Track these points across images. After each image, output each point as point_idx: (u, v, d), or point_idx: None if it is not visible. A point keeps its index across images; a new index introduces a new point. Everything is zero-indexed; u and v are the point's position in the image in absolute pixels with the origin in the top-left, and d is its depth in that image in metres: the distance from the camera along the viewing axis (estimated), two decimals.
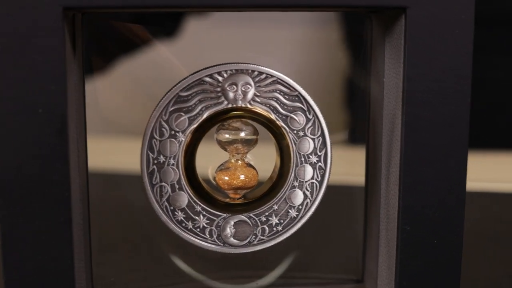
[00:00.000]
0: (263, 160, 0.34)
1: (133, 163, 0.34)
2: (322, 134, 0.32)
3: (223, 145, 0.33)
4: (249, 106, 0.32)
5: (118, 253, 0.38)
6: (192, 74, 0.31)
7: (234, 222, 0.32)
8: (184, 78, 0.31)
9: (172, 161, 0.32)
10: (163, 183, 0.32)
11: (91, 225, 0.34)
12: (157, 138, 0.31)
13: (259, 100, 0.32)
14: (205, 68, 0.31)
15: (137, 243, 0.40)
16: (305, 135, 0.32)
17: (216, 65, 0.31)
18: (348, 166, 0.38)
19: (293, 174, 0.32)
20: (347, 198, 0.38)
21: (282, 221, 0.33)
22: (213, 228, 0.32)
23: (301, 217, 0.33)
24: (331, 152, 0.32)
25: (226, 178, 0.32)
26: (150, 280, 0.36)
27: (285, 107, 0.32)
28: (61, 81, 0.29)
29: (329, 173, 0.33)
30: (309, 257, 0.38)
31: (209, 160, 0.34)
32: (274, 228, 0.33)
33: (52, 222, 0.29)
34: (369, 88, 0.35)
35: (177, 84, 0.31)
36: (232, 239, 0.33)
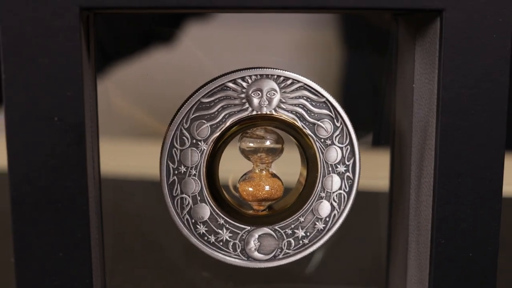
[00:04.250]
0: (285, 169, 0.33)
1: (140, 167, 0.32)
2: (351, 143, 0.31)
3: (247, 154, 0.31)
4: (274, 113, 0.30)
5: (131, 266, 0.37)
6: (214, 80, 0.30)
7: (259, 235, 0.31)
8: (206, 84, 0.30)
9: (193, 172, 0.30)
10: (184, 195, 0.30)
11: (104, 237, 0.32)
12: (178, 147, 0.30)
13: (284, 107, 0.30)
14: (227, 73, 0.30)
15: (151, 254, 0.38)
16: (332, 143, 0.31)
17: (239, 70, 0.30)
18: (370, 171, 0.37)
19: (320, 185, 0.31)
20: (369, 204, 0.36)
21: (308, 233, 0.31)
22: (237, 241, 0.31)
23: (328, 230, 0.31)
24: (359, 161, 0.31)
25: (251, 189, 0.31)
26: None
27: (312, 114, 0.30)
28: (77, 86, 0.27)
29: (358, 184, 0.31)
30: (329, 267, 0.37)
31: (227, 168, 0.32)
32: (301, 241, 0.31)
33: (70, 238, 0.28)
34: (394, 93, 0.34)
35: (198, 89, 0.30)
36: (256, 253, 0.31)
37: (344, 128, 0.31)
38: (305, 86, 0.30)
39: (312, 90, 0.30)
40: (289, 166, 0.32)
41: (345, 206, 0.31)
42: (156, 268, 0.37)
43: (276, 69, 0.30)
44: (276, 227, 0.31)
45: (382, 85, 0.35)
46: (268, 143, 0.31)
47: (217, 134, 0.30)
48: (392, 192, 0.34)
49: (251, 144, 0.31)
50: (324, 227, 0.31)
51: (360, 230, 0.38)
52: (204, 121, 0.30)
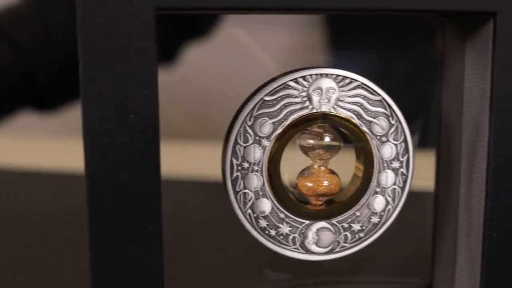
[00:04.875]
0: (337, 166, 0.34)
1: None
2: (405, 140, 0.32)
3: (306, 150, 0.32)
4: (333, 111, 0.31)
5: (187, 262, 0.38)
6: (276, 79, 0.31)
7: (317, 229, 0.32)
8: (268, 83, 0.31)
9: (256, 167, 0.31)
10: (247, 190, 0.31)
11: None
12: (242, 144, 0.31)
13: (342, 105, 0.31)
14: (289, 72, 0.31)
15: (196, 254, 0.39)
16: (387, 140, 0.32)
17: (299, 69, 0.31)
18: (415, 171, 0.38)
19: (375, 180, 0.32)
20: (414, 201, 0.37)
21: (364, 227, 0.32)
22: (296, 235, 0.32)
23: (383, 223, 0.32)
24: (413, 157, 0.32)
25: (310, 184, 0.32)
26: None
27: (368, 112, 0.32)
28: (152, 85, 0.28)
29: (411, 179, 0.32)
30: (375, 260, 0.38)
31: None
32: (356, 235, 0.32)
33: (142, 232, 0.29)
34: (440, 93, 0.35)
35: (260, 88, 0.31)
36: (314, 246, 0.32)
37: (399, 125, 0.32)
38: (362, 85, 0.31)
39: (369, 89, 0.31)
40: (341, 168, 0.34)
41: (399, 201, 0.32)
42: (195, 268, 0.38)
43: (334, 68, 0.31)
44: (334, 221, 0.32)
45: (429, 86, 0.36)
46: (327, 140, 0.32)
47: (279, 131, 0.31)
48: (438, 188, 0.35)
49: (310, 141, 0.32)
50: (379, 221, 0.32)
51: (405, 226, 0.39)
52: (266, 118, 0.31)
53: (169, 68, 0.74)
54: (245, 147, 0.31)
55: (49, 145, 0.86)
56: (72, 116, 0.89)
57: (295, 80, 0.31)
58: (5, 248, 0.49)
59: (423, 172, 0.37)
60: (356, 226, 0.32)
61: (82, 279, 0.42)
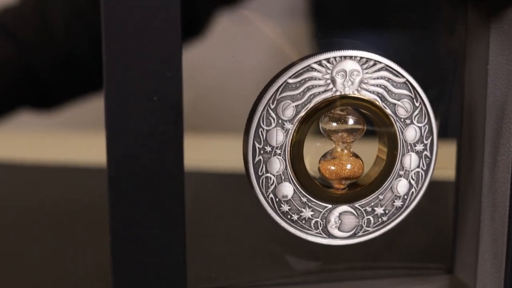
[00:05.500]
0: (359, 149, 0.33)
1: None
2: (429, 122, 0.32)
3: (329, 133, 0.32)
4: (356, 93, 0.31)
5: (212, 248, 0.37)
6: (299, 61, 0.30)
7: (339, 213, 0.31)
8: (291, 65, 0.30)
9: (278, 151, 0.30)
10: (269, 174, 0.31)
11: None
12: (264, 127, 0.30)
13: (366, 88, 0.31)
14: (313, 55, 0.30)
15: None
16: (412, 123, 0.31)
17: (324, 52, 0.30)
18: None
19: (399, 163, 0.32)
20: (436, 188, 0.37)
21: (387, 211, 0.32)
22: (319, 219, 0.31)
23: (406, 207, 0.32)
24: (437, 140, 0.32)
25: (333, 168, 0.31)
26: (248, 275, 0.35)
27: (393, 94, 0.31)
28: (177, 67, 0.27)
29: (435, 162, 0.32)
30: (395, 246, 0.38)
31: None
32: (379, 219, 0.32)
33: (165, 216, 0.28)
34: (462, 77, 0.34)
35: (284, 71, 0.30)
36: (337, 230, 0.32)
37: (423, 107, 0.31)
38: (386, 67, 0.31)
39: (393, 71, 0.31)
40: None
41: (422, 184, 0.32)
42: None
43: (358, 50, 0.31)
44: (356, 205, 0.32)
45: (450, 71, 0.36)
46: (351, 123, 0.31)
47: (302, 114, 0.30)
48: (459, 173, 0.35)
49: (333, 124, 0.31)
50: (402, 205, 0.32)
51: (427, 213, 0.39)
52: (289, 101, 0.30)
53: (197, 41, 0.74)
54: (267, 130, 0.30)
55: (49, 140, 0.86)
56: (73, 112, 0.88)
57: (319, 63, 0.30)
58: (7, 242, 0.48)
59: (444, 161, 0.36)
60: (379, 210, 0.32)
61: (81, 273, 0.41)
